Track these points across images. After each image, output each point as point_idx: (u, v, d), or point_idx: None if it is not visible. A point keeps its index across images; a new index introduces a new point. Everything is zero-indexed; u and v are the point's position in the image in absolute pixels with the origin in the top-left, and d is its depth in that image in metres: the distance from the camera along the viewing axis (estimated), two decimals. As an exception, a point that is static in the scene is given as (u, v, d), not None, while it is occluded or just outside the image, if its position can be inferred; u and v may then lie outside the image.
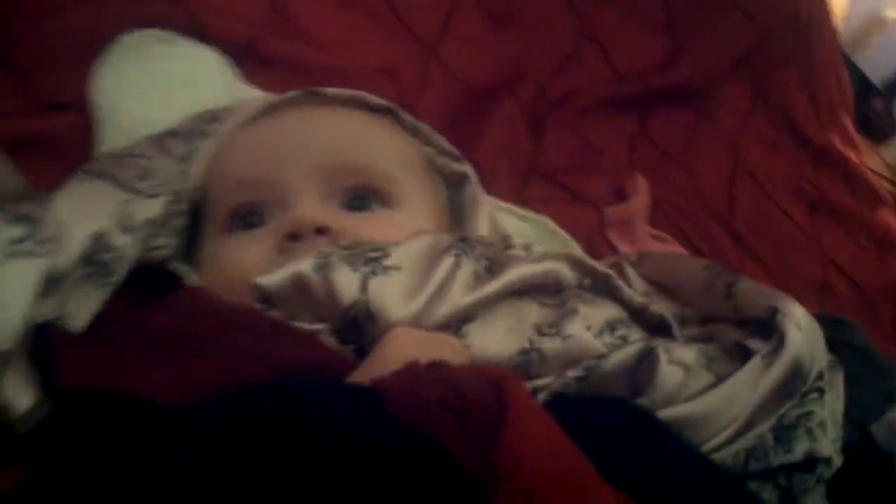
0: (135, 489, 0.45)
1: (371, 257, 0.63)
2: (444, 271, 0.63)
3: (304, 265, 0.62)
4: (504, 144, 1.08)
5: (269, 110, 0.79)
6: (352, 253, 0.64)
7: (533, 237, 0.97)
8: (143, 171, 0.71)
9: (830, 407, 0.65)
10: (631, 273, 0.78)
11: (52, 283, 0.60)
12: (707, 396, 0.60)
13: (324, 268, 0.62)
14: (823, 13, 1.71)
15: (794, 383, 0.62)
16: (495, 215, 0.90)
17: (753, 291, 0.71)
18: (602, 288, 0.71)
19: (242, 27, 0.93)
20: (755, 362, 0.62)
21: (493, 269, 0.66)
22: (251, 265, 0.68)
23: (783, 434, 0.62)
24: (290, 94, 0.81)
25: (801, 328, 0.64)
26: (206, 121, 0.79)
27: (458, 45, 1.13)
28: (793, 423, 0.62)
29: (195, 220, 0.75)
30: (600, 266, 0.72)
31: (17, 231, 0.59)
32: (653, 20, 1.40)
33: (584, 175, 1.15)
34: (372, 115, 0.82)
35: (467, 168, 0.87)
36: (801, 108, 1.58)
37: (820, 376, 0.65)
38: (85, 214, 0.64)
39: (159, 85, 0.83)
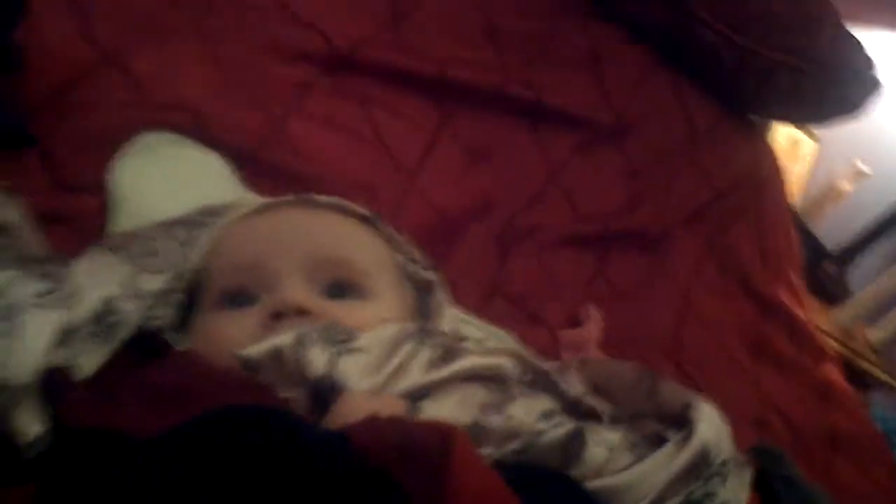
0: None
1: (341, 339, 0.73)
2: (403, 355, 0.73)
3: (283, 340, 0.71)
4: (470, 266, 1.18)
5: (264, 209, 0.89)
6: (326, 334, 0.73)
7: (491, 347, 1.06)
8: (151, 250, 0.80)
9: (733, 492, 0.74)
10: (573, 375, 0.87)
11: (66, 336, 0.69)
12: (627, 472, 0.70)
13: (300, 344, 0.71)
14: (776, 177, 1.86)
15: (700, 466, 0.72)
16: (457, 322, 0.99)
17: (672, 391, 0.81)
18: (541, 383, 0.80)
19: (245, 138, 1.04)
20: (669, 447, 0.73)
21: (446, 356, 0.75)
22: (237, 338, 0.76)
23: None
24: (284, 197, 0.91)
25: (708, 421, 0.74)
26: (208, 214, 0.89)
27: (435, 174, 1.24)
28: (698, 501, 0.71)
29: (190, 299, 0.84)
30: (541, 364, 0.82)
31: (42, 286, 0.69)
32: (616, 170, 1.53)
33: (542, 301, 1.24)
34: (356, 220, 0.92)
35: (434, 276, 0.97)
36: (750, 261, 1.69)
37: (723, 464, 0.74)
38: (98, 281, 0.74)
39: (168, 180, 0.93)
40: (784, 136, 2.33)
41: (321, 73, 1.21)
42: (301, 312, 0.77)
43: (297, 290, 0.79)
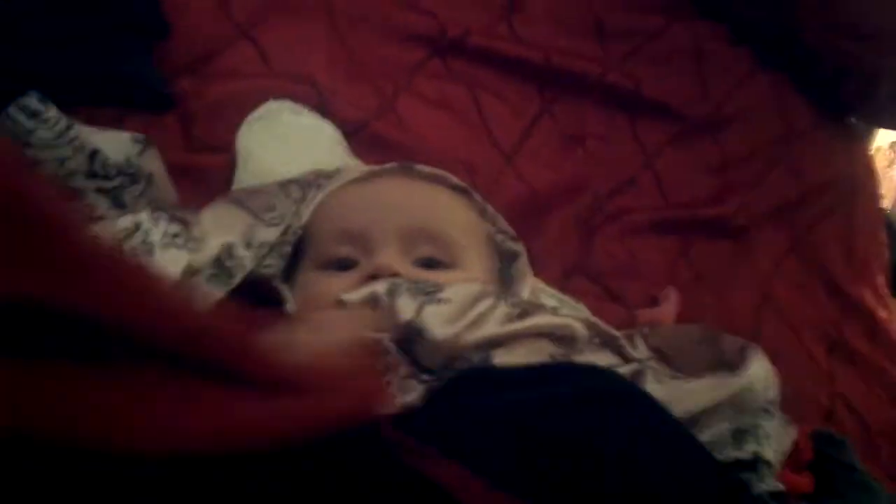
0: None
1: (429, 290, 0.83)
2: (483, 308, 0.82)
3: (378, 288, 0.82)
4: (556, 242, 1.27)
5: (368, 176, 1.00)
6: (416, 286, 0.83)
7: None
8: (269, 205, 0.92)
9: (777, 428, 0.84)
10: (639, 341, 0.96)
11: (190, 274, 0.80)
12: (669, 385, 0.81)
13: (393, 293, 0.81)
14: (870, 180, 1.89)
15: (747, 399, 0.82)
16: (537, 291, 1.09)
17: (731, 341, 0.91)
18: (609, 345, 0.89)
19: (357, 111, 1.15)
20: (719, 375, 0.84)
21: (522, 314, 0.84)
22: (335, 294, 0.86)
23: (738, 435, 0.81)
24: (388, 165, 1.02)
25: (759, 363, 0.85)
26: (320, 177, 1.00)
27: (532, 155, 1.33)
28: (746, 429, 0.82)
29: (296, 251, 0.96)
30: (610, 329, 0.90)
31: (174, 228, 0.80)
32: (708, 162, 1.59)
33: (622, 280, 1.32)
34: (451, 191, 1.02)
35: (520, 247, 1.07)
36: (835, 260, 1.73)
37: (770, 403, 0.84)
38: (220, 228, 0.86)
39: (287, 144, 1.04)
40: (884, 140, 2.35)
41: (433, 55, 1.31)
42: (394, 276, 0.87)
43: (391, 257, 0.89)
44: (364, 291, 0.82)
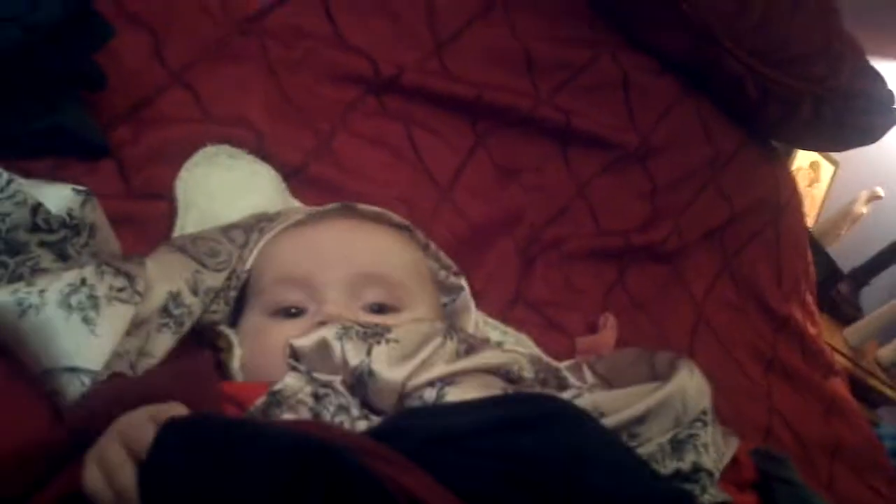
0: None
1: (378, 332, 0.84)
2: (432, 348, 0.83)
3: (328, 333, 0.82)
4: (497, 273, 1.28)
5: (311, 218, 1.00)
6: (365, 329, 0.84)
7: (511, 350, 1.16)
8: (211, 251, 0.92)
9: (713, 437, 0.88)
10: (586, 370, 0.98)
11: (137, 327, 0.80)
12: (599, 395, 0.84)
13: (342, 337, 0.82)
14: (795, 200, 1.95)
15: (678, 407, 0.85)
16: (481, 324, 1.10)
17: (664, 356, 0.94)
18: (553, 381, 0.91)
19: (295, 153, 1.15)
20: (648, 385, 0.87)
21: (469, 351, 0.86)
22: (286, 342, 0.87)
23: (676, 446, 0.84)
24: (330, 206, 1.02)
25: (688, 373, 0.89)
26: (261, 220, 1.00)
27: (468, 189, 1.35)
28: (684, 439, 0.85)
29: (240, 296, 0.96)
30: (553, 362, 0.92)
31: (119, 282, 0.80)
32: (639, 189, 1.63)
33: (562, 309, 1.34)
34: (394, 230, 1.03)
35: (463, 281, 1.08)
36: (765, 280, 1.79)
37: (704, 412, 0.87)
38: (166, 276, 0.85)
39: (226, 189, 1.04)
40: (804, 160, 2.42)
41: (367, 93, 1.32)
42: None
43: (340, 304, 0.90)
44: (314, 337, 0.82)
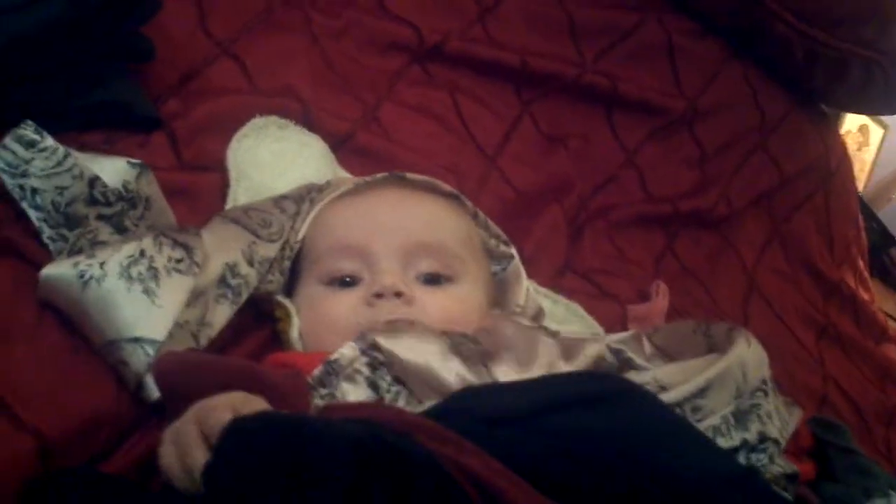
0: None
1: (486, 351, 0.82)
2: (546, 359, 0.84)
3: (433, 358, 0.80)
4: (546, 242, 1.27)
5: (361, 188, 1.00)
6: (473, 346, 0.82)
7: (563, 318, 1.15)
8: (264, 221, 0.91)
9: (774, 404, 0.87)
10: (646, 342, 0.97)
11: (195, 296, 0.80)
12: (661, 369, 0.85)
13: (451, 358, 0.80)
14: (844, 165, 1.92)
15: (738, 378, 0.84)
16: (532, 292, 1.09)
17: (720, 327, 0.93)
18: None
19: (342, 123, 1.15)
20: (707, 357, 0.86)
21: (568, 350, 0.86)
22: (343, 314, 0.88)
23: (740, 417, 0.83)
24: (379, 175, 1.02)
25: (746, 341, 0.88)
26: (312, 190, 1.00)
27: (515, 157, 1.34)
28: (747, 410, 0.84)
29: (294, 264, 0.96)
30: (622, 346, 0.91)
31: (177, 253, 0.80)
32: (687, 155, 1.61)
33: (612, 276, 1.33)
34: (444, 199, 1.02)
35: (513, 250, 1.07)
36: (816, 246, 1.76)
37: (764, 382, 0.86)
38: (222, 247, 0.85)
39: (276, 159, 1.04)
40: (853, 124, 2.38)
41: (412, 62, 1.31)
42: (397, 294, 0.88)
43: (394, 274, 0.90)
44: (419, 358, 0.80)
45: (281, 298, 0.92)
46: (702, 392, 0.83)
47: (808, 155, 1.83)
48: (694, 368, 0.85)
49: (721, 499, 0.66)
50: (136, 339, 0.74)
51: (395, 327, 0.85)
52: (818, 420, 1.10)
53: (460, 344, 0.81)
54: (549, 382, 0.77)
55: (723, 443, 0.81)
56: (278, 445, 0.52)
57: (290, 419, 0.56)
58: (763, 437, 0.83)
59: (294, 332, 0.89)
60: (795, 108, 1.83)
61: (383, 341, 0.79)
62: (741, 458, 0.82)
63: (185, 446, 0.61)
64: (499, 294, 1.04)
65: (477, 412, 0.69)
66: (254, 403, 0.65)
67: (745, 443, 0.82)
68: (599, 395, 0.73)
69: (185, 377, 0.71)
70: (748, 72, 1.76)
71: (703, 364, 0.85)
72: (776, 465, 0.84)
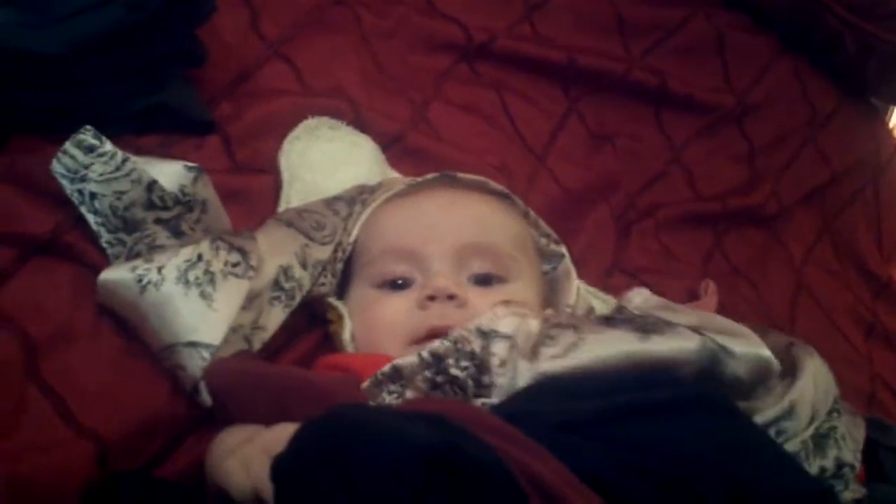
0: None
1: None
2: None
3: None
4: (594, 241, 1.27)
5: (412, 189, 1.00)
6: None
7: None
8: (317, 224, 0.92)
9: (846, 424, 0.85)
10: None
11: (250, 300, 0.81)
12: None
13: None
14: (893, 157, 1.89)
15: (811, 399, 0.82)
16: (583, 292, 1.09)
17: (782, 341, 0.92)
18: None
19: (392, 123, 1.15)
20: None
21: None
22: (396, 318, 0.89)
23: (819, 442, 0.81)
24: (429, 175, 1.02)
25: (813, 357, 0.88)
26: (363, 192, 1.00)
27: (562, 155, 1.34)
28: (825, 433, 0.82)
29: (346, 266, 0.96)
30: None
31: (234, 257, 0.81)
32: (736, 152, 1.60)
33: (661, 275, 1.32)
34: (495, 199, 1.02)
35: (563, 249, 1.07)
36: (865, 243, 1.74)
37: (836, 401, 0.85)
38: (276, 251, 0.86)
39: (328, 160, 1.05)
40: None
41: (460, 60, 1.31)
42: (450, 297, 0.88)
43: (447, 276, 0.90)
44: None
45: (333, 301, 0.93)
46: (788, 414, 0.81)
47: (858, 149, 1.80)
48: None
49: None
50: (193, 344, 0.75)
51: None
52: (868, 419, 1.09)
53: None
54: (627, 387, 0.74)
55: None
56: (348, 445, 0.52)
57: (363, 418, 0.56)
58: (840, 464, 0.82)
59: (346, 335, 0.90)
60: (845, 102, 1.81)
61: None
62: None
63: (248, 459, 0.61)
64: (549, 294, 1.04)
65: (546, 416, 0.68)
66: None
67: (822, 470, 0.81)
68: (675, 403, 0.72)
69: (236, 388, 0.72)
70: (798, 66, 1.73)
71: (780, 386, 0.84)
72: (849, 491, 0.83)
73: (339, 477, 0.50)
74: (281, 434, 0.60)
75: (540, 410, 0.68)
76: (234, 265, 0.80)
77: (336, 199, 0.98)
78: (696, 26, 1.61)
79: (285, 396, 0.68)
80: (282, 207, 0.98)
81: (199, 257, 0.78)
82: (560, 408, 0.70)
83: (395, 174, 1.11)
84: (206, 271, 0.78)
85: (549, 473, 0.55)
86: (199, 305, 0.77)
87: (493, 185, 1.05)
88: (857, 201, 1.76)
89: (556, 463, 0.57)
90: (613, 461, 0.60)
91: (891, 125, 2.05)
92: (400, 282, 0.92)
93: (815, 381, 0.84)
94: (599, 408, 0.68)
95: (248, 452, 0.62)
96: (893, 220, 1.83)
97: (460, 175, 1.03)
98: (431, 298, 0.88)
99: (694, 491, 0.59)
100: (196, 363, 0.75)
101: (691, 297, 1.33)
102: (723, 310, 1.32)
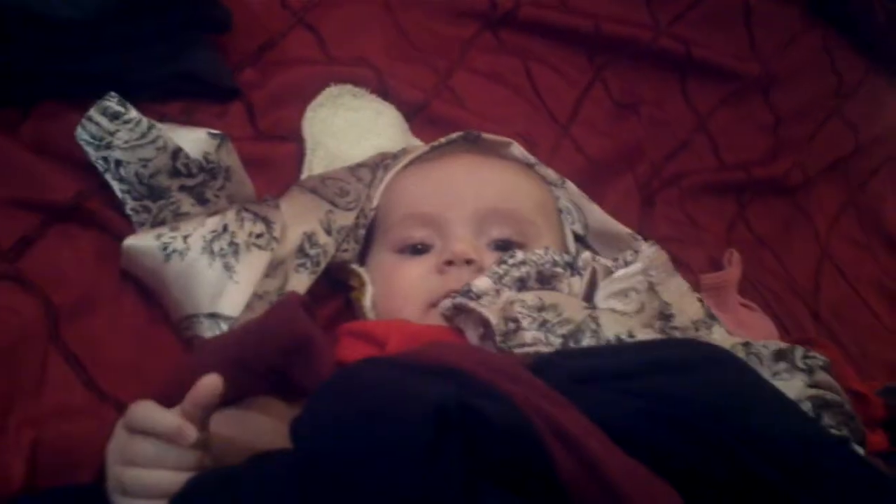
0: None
1: None
2: None
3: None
4: (618, 209, 1.26)
5: (435, 152, 1.00)
6: None
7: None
8: (341, 190, 0.93)
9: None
10: None
11: (274, 267, 0.81)
12: None
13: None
14: (922, 130, 1.87)
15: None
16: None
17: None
18: None
19: (416, 92, 1.15)
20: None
21: None
22: (415, 281, 0.89)
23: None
24: (453, 135, 1.02)
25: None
26: (386, 158, 1.00)
27: (587, 123, 1.33)
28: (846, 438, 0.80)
29: (367, 232, 0.97)
30: None
31: (258, 228, 0.82)
32: (761, 121, 1.59)
33: (685, 244, 1.32)
34: (519, 165, 1.02)
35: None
36: (891, 214, 1.73)
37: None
38: (300, 218, 0.87)
39: (351, 128, 1.05)
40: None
41: (484, 28, 1.31)
42: (468, 262, 0.88)
43: (466, 241, 0.90)
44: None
45: (355, 267, 0.93)
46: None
47: (885, 119, 1.79)
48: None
49: (818, 462, 0.65)
50: (214, 315, 0.76)
51: None
52: (890, 390, 1.08)
53: None
54: (641, 347, 0.76)
55: None
56: (361, 406, 0.53)
57: (376, 378, 0.57)
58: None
59: (367, 301, 0.90)
60: (873, 72, 1.79)
61: None
62: None
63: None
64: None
65: (565, 371, 0.68)
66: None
67: None
68: (690, 361, 0.72)
69: (207, 363, 0.72)
70: (826, 35, 1.72)
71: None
72: None
73: (352, 437, 0.50)
74: (134, 409, 0.62)
75: (560, 363, 0.68)
76: (258, 236, 0.81)
77: (359, 165, 0.98)
78: (724, -5, 1.60)
79: (241, 351, 0.68)
80: (305, 175, 0.99)
81: (225, 228, 0.79)
82: (583, 363, 0.70)
83: (417, 142, 1.11)
84: (231, 242, 0.79)
85: (573, 423, 0.56)
86: (222, 277, 0.77)
87: (519, 149, 1.05)
88: (884, 171, 1.74)
89: (577, 412, 0.57)
90: (631, 410, 0.60)
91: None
92: (420, 246, 0.92)
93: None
94: (619, 363, 0.68)
95: (115, 430, 0.64)
96: (920, 191, 1.81)
97: (485, 134, 1.03)
98: (449, 263, 0.88)
99: (711, 437, 0.59)
100: (215, 334, 0.76)
101: (715, 266, 1.33)
102: (745, 279, 1.32)
